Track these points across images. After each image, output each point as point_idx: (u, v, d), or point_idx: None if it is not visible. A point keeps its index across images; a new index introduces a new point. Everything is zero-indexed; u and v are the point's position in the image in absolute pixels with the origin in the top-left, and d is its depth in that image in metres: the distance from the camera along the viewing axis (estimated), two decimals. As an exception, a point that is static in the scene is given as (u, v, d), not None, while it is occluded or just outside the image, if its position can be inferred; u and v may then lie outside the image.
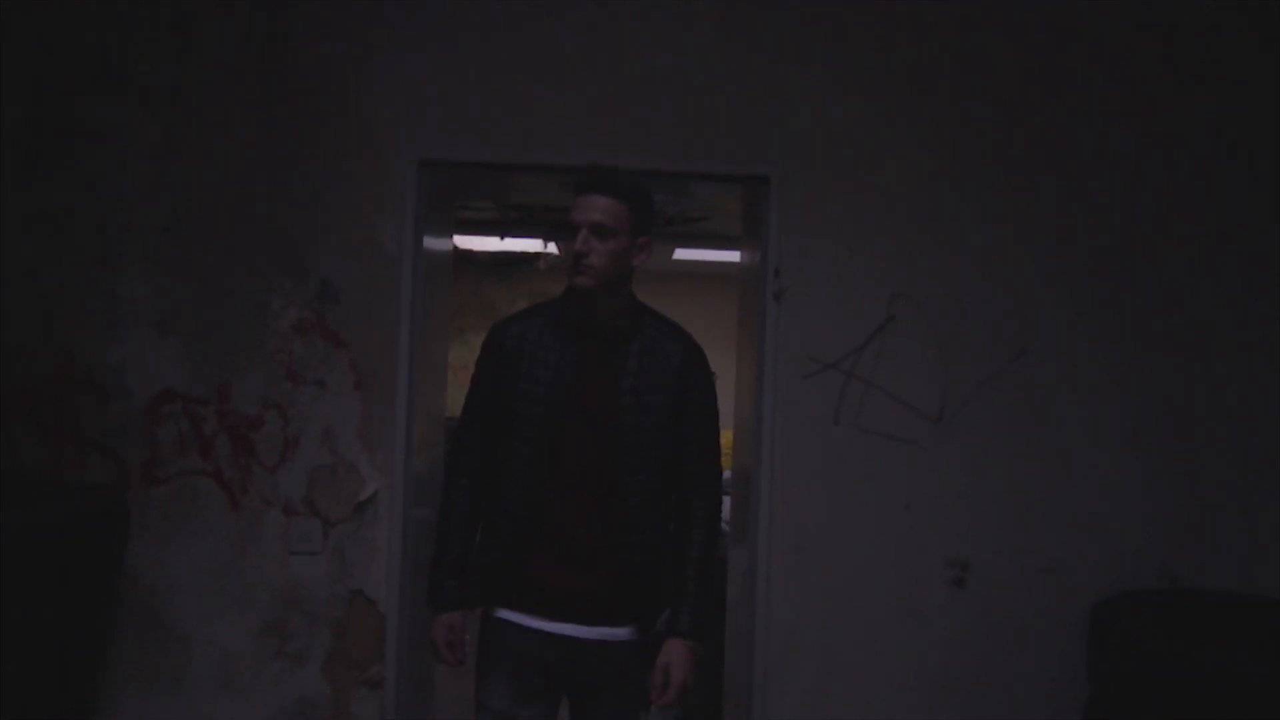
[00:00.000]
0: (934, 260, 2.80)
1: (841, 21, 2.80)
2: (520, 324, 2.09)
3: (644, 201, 2.00)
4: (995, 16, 2.81)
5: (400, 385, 2.72)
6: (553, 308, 2.09)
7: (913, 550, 2.79)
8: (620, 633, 2.03)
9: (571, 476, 2.01)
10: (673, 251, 6.93)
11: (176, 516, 2.67)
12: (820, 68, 2.79)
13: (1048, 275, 2.81)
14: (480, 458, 2.10)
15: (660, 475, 2.04)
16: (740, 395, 3.05)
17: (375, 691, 2.71)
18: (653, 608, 2.08)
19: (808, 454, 2.79)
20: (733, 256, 4.55)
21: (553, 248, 7.22)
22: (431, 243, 2.88)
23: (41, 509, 2.39)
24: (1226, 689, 2.24)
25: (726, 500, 2.56)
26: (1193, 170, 2.83)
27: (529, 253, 8.04)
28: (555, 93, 2.77)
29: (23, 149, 2.68)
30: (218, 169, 2.71)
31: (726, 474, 2.45)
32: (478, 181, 3.62)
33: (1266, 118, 2.84)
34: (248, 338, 2.70)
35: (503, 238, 7.05)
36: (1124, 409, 2.80)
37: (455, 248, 3.80)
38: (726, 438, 2.43)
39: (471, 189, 4.25)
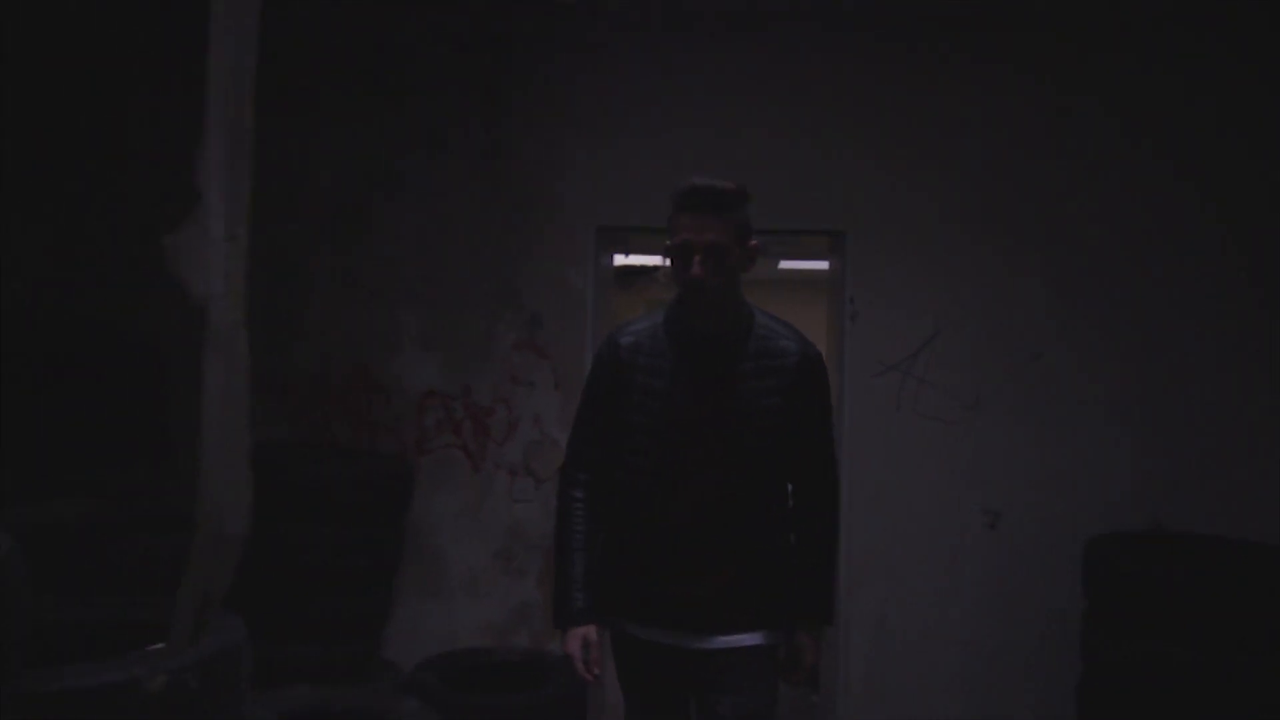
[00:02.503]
0: (967, 289, 3.81)
1: (891, 129, 3.82)
2: (633, 333, 2.09)
3: (746, 209, 1.99)
4: (1003, 118, 3.80)
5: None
6: (665, 315, 2.09)
7: (955, 502, 3.81)
8: (746, 639, 2.02)
9: (687, 484, 1.98)
10: (778, 262, 7.97)
11: (438, 476, 3.90)
12: (877, 159, 3.82)
13: (1052, 298, 3.78)
14: (596, 469, 2.09)
15: (778, 479, 2.04)
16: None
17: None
18: (780, 612, 2.06)
19: (877, 432, 3.84)
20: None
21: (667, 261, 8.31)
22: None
23: (356, 467, 3.63)
24: (1173, 594, 3.20)
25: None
26: (1159, 219, 3.77)
27: (649, 265, 9.19)
28: (690, 175, 3.88)
29: (331, 227, 3.95)
30: (460, 236, 3.92)
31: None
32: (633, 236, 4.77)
33: (1212, 171, 3.76)
34: (483, 352, 3.90)
35: (626, 254, 8.21)
36: (1111, 393, 3.76)
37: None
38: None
39: (629, 240, 5.41)
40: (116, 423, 3.30)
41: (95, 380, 3.28)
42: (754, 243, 2.01)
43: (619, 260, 8.83)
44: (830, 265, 4.10)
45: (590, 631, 2.03)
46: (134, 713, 1.39)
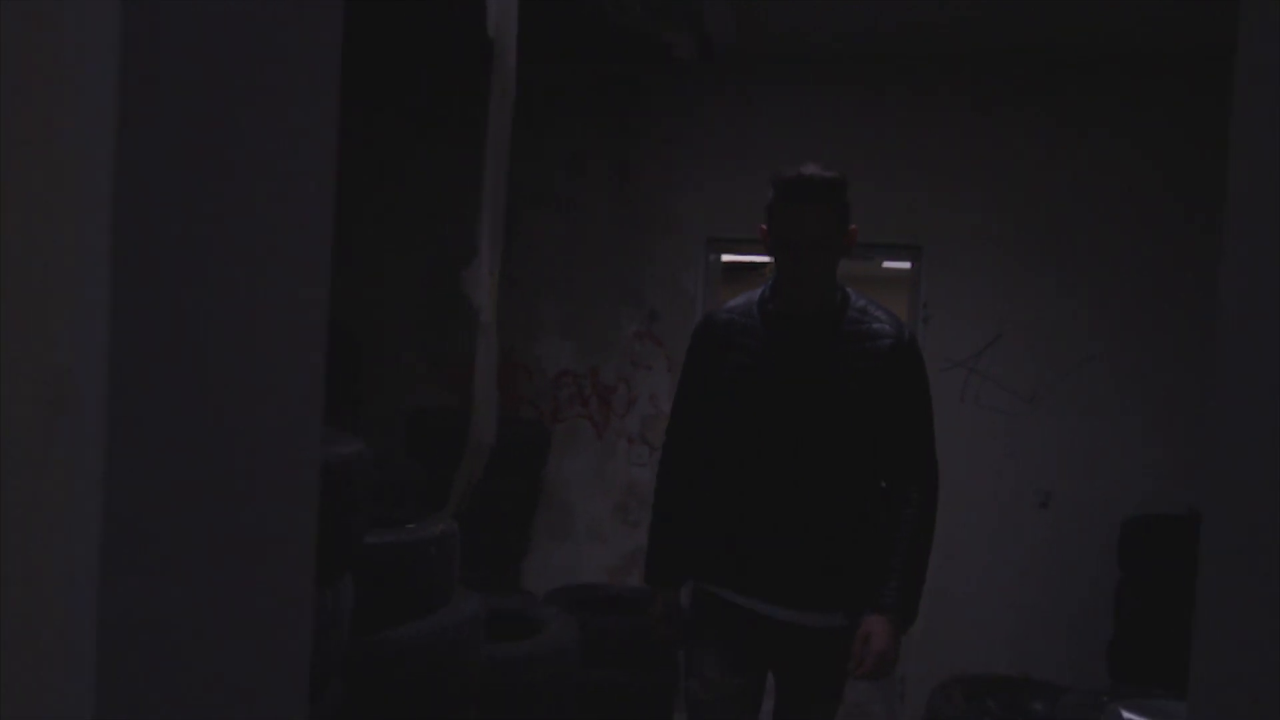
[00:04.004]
0: (1026, 300, 4.37)
1: (961, 157, 4.40)
2: (728, 313, 2.11)
3: (846, 197, 2.00)
4: (1057, 152, 4.34)
5: (693, 370, 4.66)
6: (761, 295, 2.10)
7: (1012, 484, 4.39)
8: (827, 619, 2.03)
9: (776, 461, 2.00)
10: (882, 261, 8.51)
11: (569, 442, 4.71)
12: (950, 185, 4.42)
13: (1098, 310, 4.31)
14: (691, 443, 2.15)
15: (869, 461, 2.02)
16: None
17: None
18: (864, 595, 2.03)
19: (941, 421, 4.43)
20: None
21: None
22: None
23: (504, 430, 4.45)
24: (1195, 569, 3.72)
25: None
26: (1177, 247, 4.24)
27: (757, 261, 9.86)
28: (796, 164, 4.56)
29: (488, 233, 4.79)
30: (593, 244, 4.70)
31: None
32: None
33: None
34: (609, 340, 4.69)
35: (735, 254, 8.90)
36: (1149, 392, 4.25)
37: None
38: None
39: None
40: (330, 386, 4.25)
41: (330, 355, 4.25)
42: (853, 227, 2.04)
43: (727, 257, 9.56)
44: (911, 271, 4.72)
45: (674, 596, 2.14)
46: (414, 561, 2.25)
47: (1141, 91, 4.26)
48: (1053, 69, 4.31)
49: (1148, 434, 4.26)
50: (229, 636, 1.12)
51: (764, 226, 2.07)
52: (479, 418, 2.38)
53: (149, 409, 0.93)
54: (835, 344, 2.01)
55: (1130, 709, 2.25)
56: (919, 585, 2.03)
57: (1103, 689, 3.51)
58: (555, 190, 4.73)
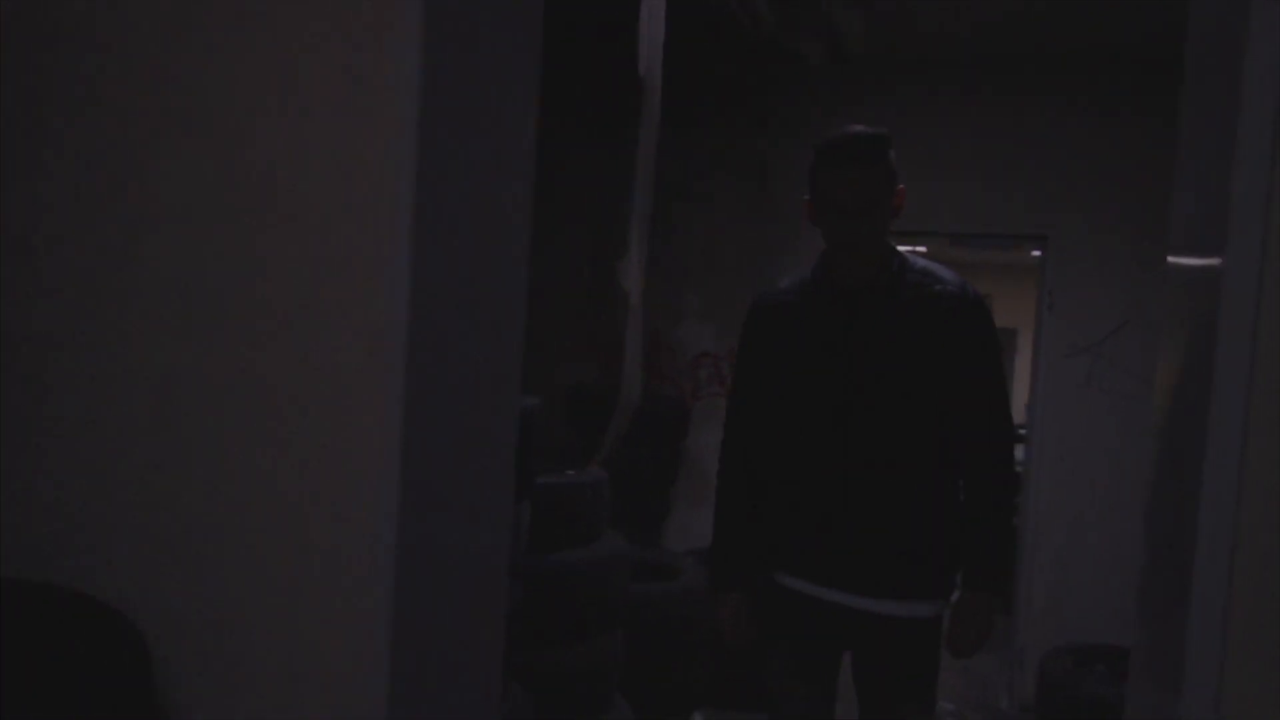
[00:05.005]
0: (1149, 290, 4.50)
1: (1084, 154, 4.56)
2: (779, 292, 2.08)
3: (890, 155, 1.89)
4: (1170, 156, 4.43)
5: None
6: (814, 268, 2.04)
7: (1131, 461, 4.54)
8: (909, 608, 1.91)
9: (844, 441, 1.89)
10: (1032, 250, 8.54)
11: (706, 417, 5.13)
12: (1074, 178, 4.58)
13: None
14: (753, 433, 2.02)
15: (938, 436, 1.90)
16: (1032, 368, 4.94)
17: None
18: (944, 580, 1.96)
19: (1068, 403, 4.64)
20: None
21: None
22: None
23: (649, 404, 4.93)
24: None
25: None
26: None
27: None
28: (931, 191, 4.85)
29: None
30: (732, 235, 5.11)
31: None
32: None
33: None
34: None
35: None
36: None
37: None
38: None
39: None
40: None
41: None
42: (901, 187, 1.92)
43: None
44: (1039, 260, 4.92)
45: (741, 600, 2.00)
46: (573, 500, 2.77)
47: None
48: (1175, 69, 4.42)
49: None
50: (468, 524, 1.68)
51: (807, 198, 2.02)
52: (627, 382, 2.86)
53: (430, 362, 1.48)
54: (897, 311, 1.90)
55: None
56: (1006, 558, 1.95)
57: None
58: (699, 186, 5.17)
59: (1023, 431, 4.60)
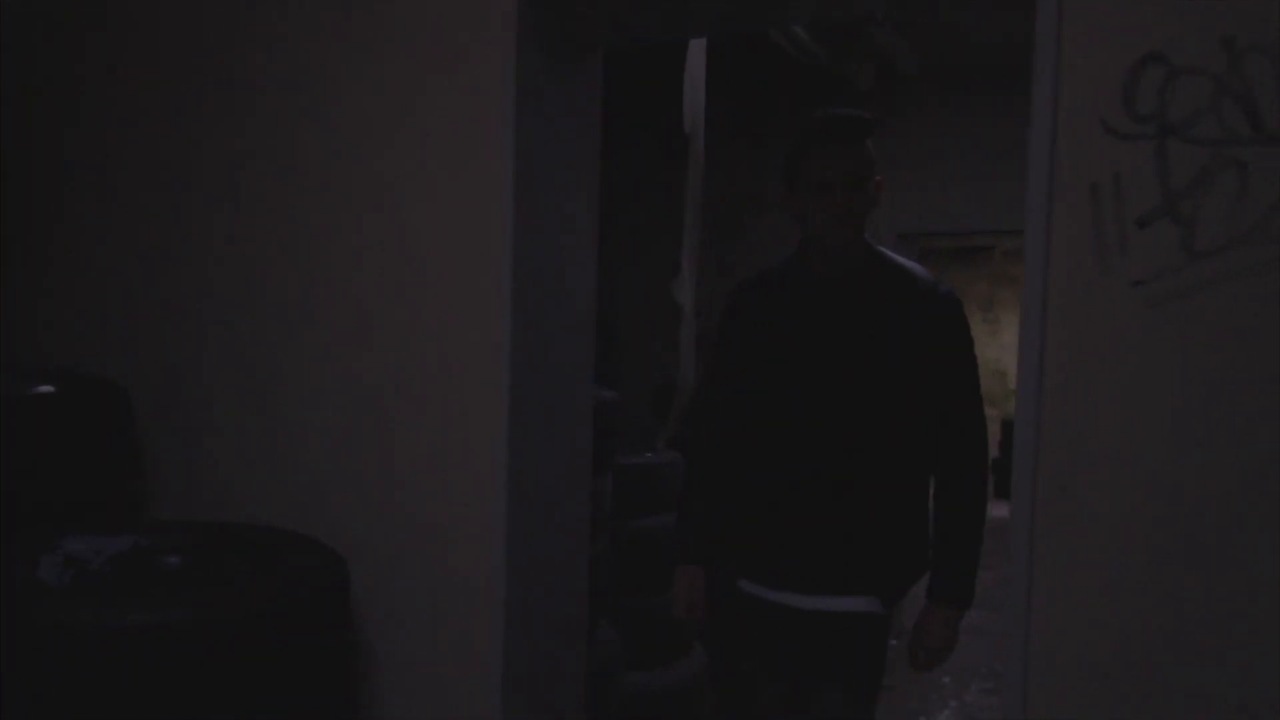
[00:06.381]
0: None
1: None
2: (753, 286, 2.05)
3: (870, 141, 1.88)
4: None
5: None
6: (787, 260, 2.02)
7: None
8: (853, 603, 1.87)
9: (799, 435, 1.87)
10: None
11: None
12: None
13: None
14: (718, 419, 2.02)
15: (902, 433, 1.86)
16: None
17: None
18: (897, 577, 1.91)
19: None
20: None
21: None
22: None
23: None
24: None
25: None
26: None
27: (987, 245, 10.14)
28: (958, 192, 5.25)
29: (716, 234, 5.82)
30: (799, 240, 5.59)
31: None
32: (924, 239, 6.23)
33: None
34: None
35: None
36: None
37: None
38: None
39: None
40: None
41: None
42: (879, 178, 1.90)
43: (957, 243, 9.94)
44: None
45: (697, 574, 2.00)
46: (650, 476, 3.38)
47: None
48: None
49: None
50: (556, 487, 2.41)
51: (783, 190, 2.01)
52: (682, 374, 3.51)
53: (525, 366, 2.18)
54: (867, 305, 1.88)
55: None
56: (974, 567, 1.86)
57: None
58: (768, 196, 5.67)
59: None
